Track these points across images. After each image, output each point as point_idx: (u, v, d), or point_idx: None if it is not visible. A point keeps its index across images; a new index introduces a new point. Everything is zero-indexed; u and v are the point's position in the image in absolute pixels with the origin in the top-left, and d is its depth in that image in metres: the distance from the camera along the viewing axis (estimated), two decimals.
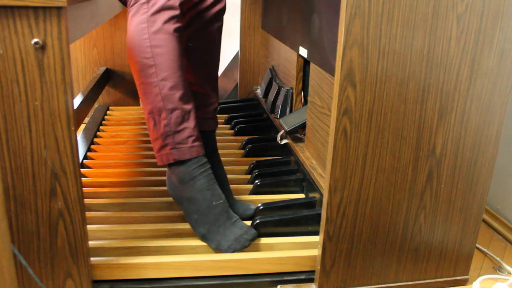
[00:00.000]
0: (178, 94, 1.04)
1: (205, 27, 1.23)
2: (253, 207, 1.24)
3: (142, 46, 1.02)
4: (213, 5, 1.22)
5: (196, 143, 1.07)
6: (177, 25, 1.04)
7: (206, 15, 1.23)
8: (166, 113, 1.04)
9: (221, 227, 1.07)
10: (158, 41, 1.02)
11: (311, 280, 1.07)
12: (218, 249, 1.07)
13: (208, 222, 1.07)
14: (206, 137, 1.27)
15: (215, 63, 1.29)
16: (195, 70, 1.25)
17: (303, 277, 1.07)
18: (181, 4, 1.05)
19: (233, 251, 1.06)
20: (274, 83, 1.71)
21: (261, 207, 1.19)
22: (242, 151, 1.62)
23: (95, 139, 1.71)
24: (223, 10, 1.26)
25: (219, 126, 1.88)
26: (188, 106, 1.06)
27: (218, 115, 2.00)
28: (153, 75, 1.02)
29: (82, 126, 1.87)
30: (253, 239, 1.09)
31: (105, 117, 1.99)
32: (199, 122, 1.26)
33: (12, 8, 0.74)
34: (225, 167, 1.48)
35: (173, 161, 1.07)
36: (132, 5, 1.04)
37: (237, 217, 1.11)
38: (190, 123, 1.07)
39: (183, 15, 1.22)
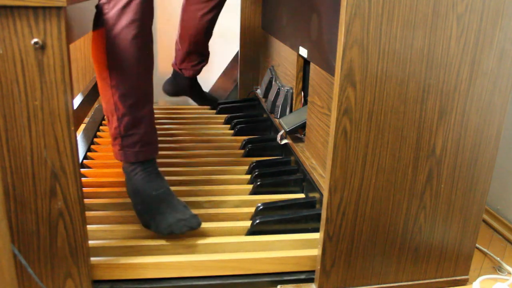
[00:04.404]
0: (129, 102, 1.05)
1: None
2: None
3: (99, 48, 1.01)
4: None
5: (144, 148, 1.09)
6: (137, 31, 1.01)
7: None
8: (116, 117, 1.06)
9: (161, 214, 1.08)
10: (114, 46, 1.00)
11: (311, 280, 1.07)
12: (157, 232, 1.07)
13: (150, 210, 1.08)
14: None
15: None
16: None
17: (303, 277, 1.07)
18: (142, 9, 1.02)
19: (171, 233, 1.05)
20: (274, 83, 1.71)
21: (261, 207, 1.19)
22: (242, 151, 1.62)
23: (95, 139, 1.71)
24: None
25: (219, 126, 1.88)
26: (140, 113, 1.07)
27: (218, 115, 2.00)
28: (106, 79, 1.03)
29: (82, 126, 1.87)
30: (193, 227, 1.07)
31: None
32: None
33: (12, 8, 0.74)
34: (225, 167, 1.49)
35: (120, 161, 1.12)
36: (98, 3, 1.03)
37: (183, 205, 1.10)
38: (140, 130, 1.08)
39: None
